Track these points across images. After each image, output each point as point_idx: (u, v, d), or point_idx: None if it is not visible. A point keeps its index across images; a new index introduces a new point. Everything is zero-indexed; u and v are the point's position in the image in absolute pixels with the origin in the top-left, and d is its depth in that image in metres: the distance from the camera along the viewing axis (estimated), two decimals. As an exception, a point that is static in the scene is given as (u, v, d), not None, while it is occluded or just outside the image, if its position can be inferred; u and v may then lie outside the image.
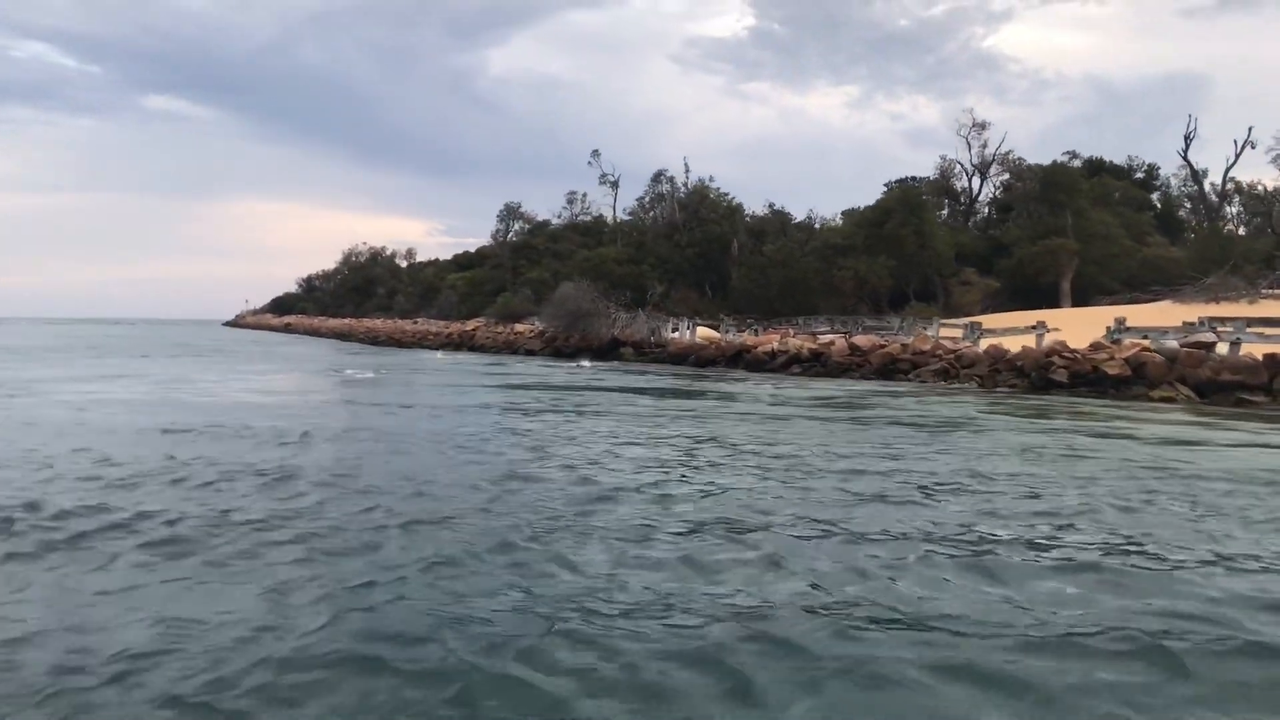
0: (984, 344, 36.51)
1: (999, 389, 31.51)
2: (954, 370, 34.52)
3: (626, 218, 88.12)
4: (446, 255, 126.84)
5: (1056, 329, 37.77)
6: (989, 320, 42.45)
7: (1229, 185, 66.16)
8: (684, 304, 59.98)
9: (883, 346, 38.91)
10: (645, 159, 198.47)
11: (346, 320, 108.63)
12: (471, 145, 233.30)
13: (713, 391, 29.51)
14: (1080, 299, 53.35)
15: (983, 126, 66.28)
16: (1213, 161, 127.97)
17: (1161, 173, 66.13)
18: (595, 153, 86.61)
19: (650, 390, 29.76)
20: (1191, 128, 65.21)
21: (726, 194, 69.79)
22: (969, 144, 67.02)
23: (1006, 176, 67.33)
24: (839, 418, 20.82)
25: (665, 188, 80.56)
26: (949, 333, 38.62)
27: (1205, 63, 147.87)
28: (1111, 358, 30.24)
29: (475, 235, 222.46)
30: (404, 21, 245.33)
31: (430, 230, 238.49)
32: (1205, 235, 56.94)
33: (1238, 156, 63.80)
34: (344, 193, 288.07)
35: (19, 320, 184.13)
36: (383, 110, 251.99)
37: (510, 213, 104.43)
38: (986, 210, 67.66)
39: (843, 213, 71.94)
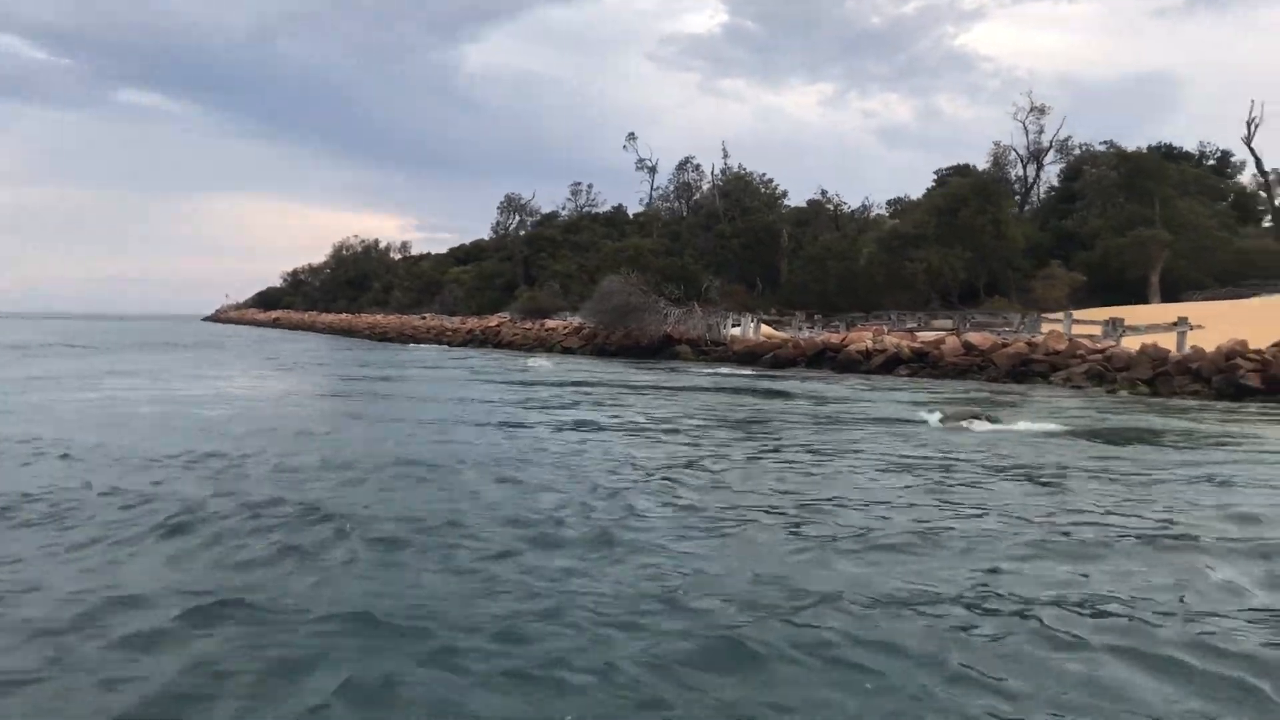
0: (1127, 343, 32.47)
1: (1177, 395, 27.42)
2: (1108, 373, 30.39)
3: (643, 207, 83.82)
4: (424, 251, 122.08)
5: (1200, 325, 33.87)
6: (1102, 315, 38.31)
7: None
8: (731, 299, 55.66)
9: (1005, 345, 34.77)
10: (626, 156, 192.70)
11: (343, 315, 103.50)
12: (449, 141, 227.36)
13: (859, 402, 25.22)
14: (1169, 294, 49.51)
15: (1041, 111, 62.42)
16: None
17: (1234, 160, 62.19)
18: (631, 136, 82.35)
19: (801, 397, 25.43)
20: (1256, 114, 61.62)
21: (771, 180, 65.57)
22: (1025, 129, 63.13)
23: (1064, 164, 63.54)
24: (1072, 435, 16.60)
25: (691, 176, 76.31)
26: (1081, 330, 34.49)
27: (1176, 62, 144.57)
28: (1315, 360, 26.30)
29: (450, 230, 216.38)
30: (383, 18, 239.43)
31: (403, 226, 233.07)
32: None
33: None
34: (320, 189, 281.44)
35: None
36: (361, 106, 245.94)
37: (511, 205, 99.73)
38: (1043, 199, 63.65)
39: (889, 202, 68.00)
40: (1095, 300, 49.08)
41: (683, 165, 76.44)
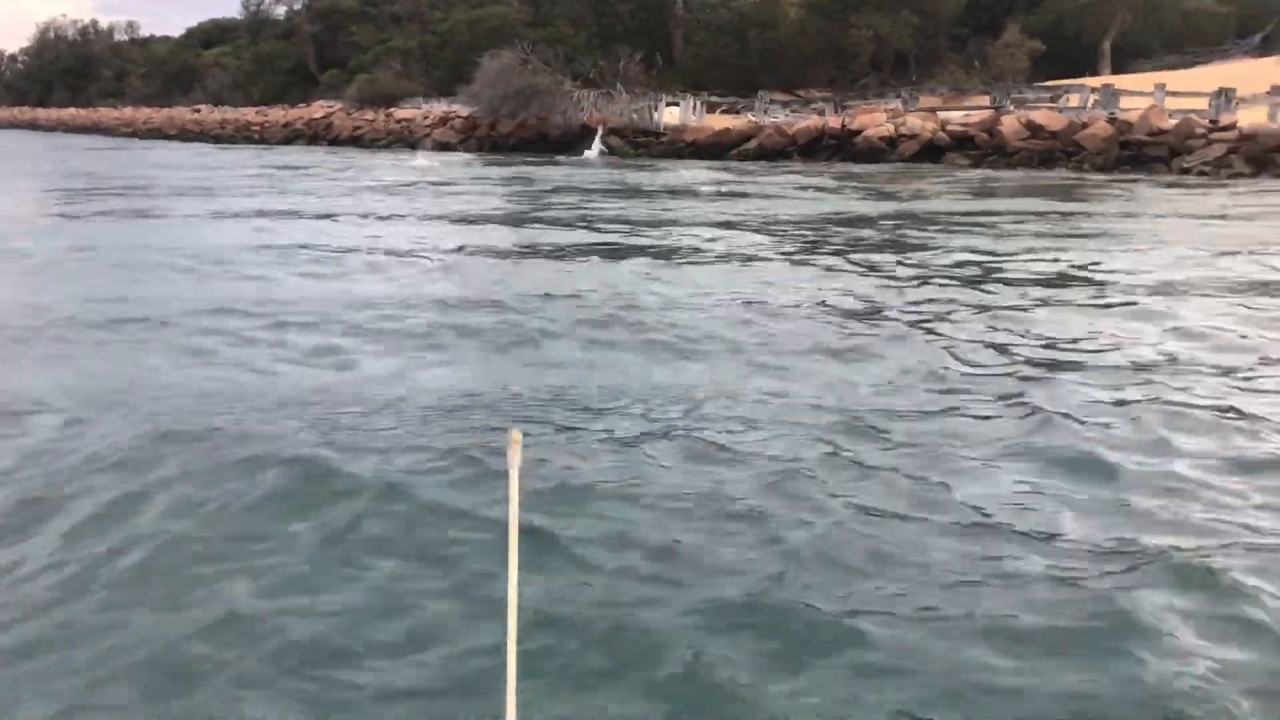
0: (1244, 118, 27.42)
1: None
2: (1264, 156, 25.30)
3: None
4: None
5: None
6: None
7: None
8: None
9: (1084, 125, 29.03)
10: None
11: (74, 110, 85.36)
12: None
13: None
14: (1118, 63, 45.36)
15: None
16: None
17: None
18: None
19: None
20: None
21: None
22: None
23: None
24: None
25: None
26: (1175, 104, 29.10)
27: None
28: None
29: (136, 14, 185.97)
30: None
31: (79, 7, 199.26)
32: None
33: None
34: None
35: None
36: None
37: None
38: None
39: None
40: (1042, 73, 44.21)
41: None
